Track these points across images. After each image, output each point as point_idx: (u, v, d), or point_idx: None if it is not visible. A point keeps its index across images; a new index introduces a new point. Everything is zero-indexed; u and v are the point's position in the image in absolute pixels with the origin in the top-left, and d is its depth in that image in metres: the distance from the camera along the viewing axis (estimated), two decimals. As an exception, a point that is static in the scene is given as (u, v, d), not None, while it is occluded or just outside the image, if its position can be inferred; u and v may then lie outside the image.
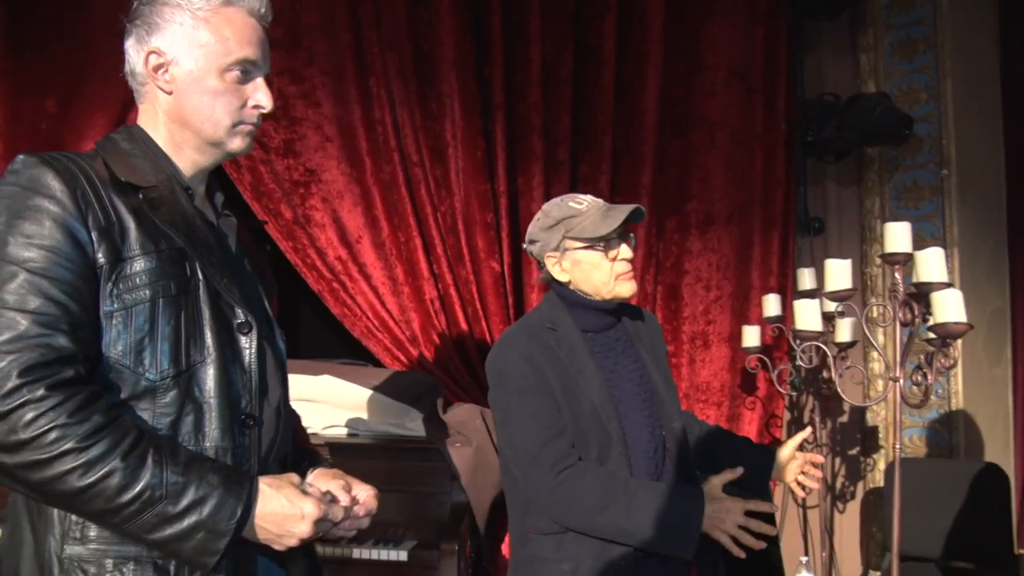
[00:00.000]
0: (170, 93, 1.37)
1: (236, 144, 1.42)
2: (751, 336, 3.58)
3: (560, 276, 1.95)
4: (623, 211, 1.87)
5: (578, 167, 3.63)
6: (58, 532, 1.22)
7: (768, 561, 3.39)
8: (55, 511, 1.23)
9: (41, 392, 1.14)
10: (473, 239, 3.31)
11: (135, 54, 1.38)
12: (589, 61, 3.63)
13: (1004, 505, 3.33)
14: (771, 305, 3.57)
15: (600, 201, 1.95)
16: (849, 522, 3.84)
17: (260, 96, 1.41)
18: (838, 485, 3.85)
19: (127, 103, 3.13)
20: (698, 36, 3.82)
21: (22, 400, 1.13)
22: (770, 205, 3.84)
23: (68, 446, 1.14)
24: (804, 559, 3.12)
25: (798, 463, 2.10)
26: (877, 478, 3.76)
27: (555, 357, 1.87)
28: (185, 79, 1.36)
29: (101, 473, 1.15)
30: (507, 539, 3.06)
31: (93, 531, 1.22)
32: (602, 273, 1.91)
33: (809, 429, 2.20)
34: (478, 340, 3.25)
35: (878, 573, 3.65)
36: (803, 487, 2.11)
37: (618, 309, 1.99)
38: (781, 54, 3.87)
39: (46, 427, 1.13)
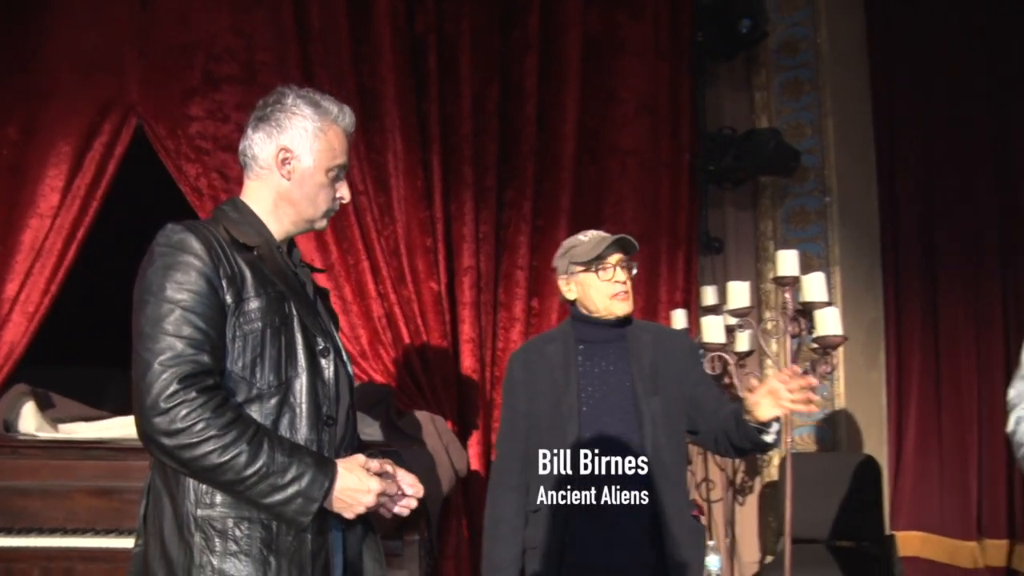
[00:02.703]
0: (288, 180, 1.87)
1: (322, 223, 1.95)
2: (661, 347, 4.16)
3: (569, 295, 2.51)
4: (608, 239, 2.43)
5: (504, 192, 4.15)
6: (193, 498, 1.68)
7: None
8: (191, 483, 1.69)
9: (193, 395, 1.61)
10: (414, 262, 3.78)
11: (263, 144, 1.86)
12: (513, 95, 4.16)
13: (878, 491, 4.04)
14: (678, 319, 4.16)
15: (602, 234, 2.49)
16: (748, 513, 4.50)
17: (344, 191, 1.95)
18: (738, 480, 4.50)
19: (91, 133, 3.47)
20: (611, 73, 4.41)
21: (179, 400, 1.60)
22: (676, 227, 4.47)
23: (211, 433, 1.61)
24: (710, 543, 3.75)
25: (773, 398, 2.11)
26: (772, 473, 4.43)
27: (548, 363, 2.46)
28: (302, 172, 1.86)
29: (233, 453, 1.62)
30: (453, 528, 3.57)
31: (219, 498, 1.69)
32: (597, 292, 2.44)
33: (756, 380, 2.29)
34: (420, 354, 3.71)
35: (772, 557, 4.29)
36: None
37: (624, 326, 2.48)
38: (685, 90, 4.53)
39: (195, 420, 1.61)
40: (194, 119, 3.55)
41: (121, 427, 3.24)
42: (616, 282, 2.43)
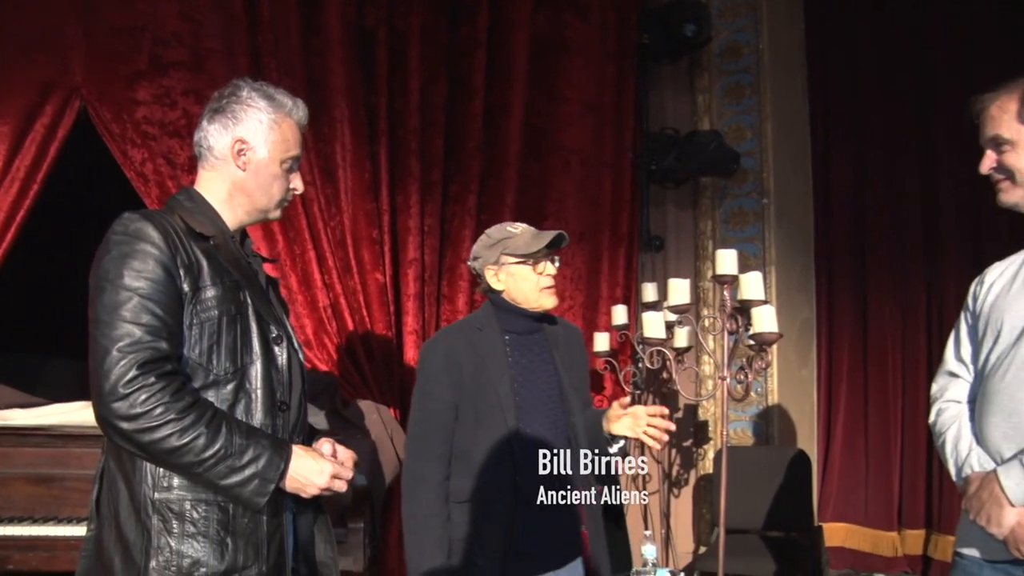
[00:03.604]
0: (243, 171, 1.92)
1: (276, 214, 2.01)
2: (601, 342, 4.26)
3: (496, 286, 2.48)
4: (549, 235, 2.44)
5: (449, 186, 4.19)
6: (150, 482, 1.72)
7: (617, 541, 4.10)
8: (148, 467, 1.72)
9: (152, 380, 1.65)
10: (360, 252, 3.81)
11: (218, 136, 1.91)
12: (461, 92, 4.21)
13: (808, 484, 4.19)
14: (619, 314, 4.26)
15: (531, 228, 2.52)
16: (683, 505, 4.63)
17: (297, 183, 2.02)
18: (674, 473, 4.62)
19: (32, 114, 3.39)
20: (557, 72, 4.50)
21: (139, 386, 1.64)
22: (617, 224, 4.58)
23: (170, 417, 1.66)
24: (647, 532, 3.84)
25: (632, 420, 2.37)
26: (707, 466, 4.56)
27: (475, 353, 2.43)
28: (257, 163, 1.92)
29: (192, 436, 1.67)
30: (396, 516, 3.60)
31: (176, 481, 1.73)
32: (530, 284, 2.45)
33: (628, 399, 2.48)
34: (365, 344, 3.75)
35: (706, 547, 4.42)
36: (655, 440, 2.42)
37: (542, 318, 2.53)
38: (629, 91, 4.64)
39: (154, 404, 1.65)
40: (140, 103, 3.51)
41: (60, 414, 3.19)
42: (548, 275, 2.47)
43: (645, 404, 4.28)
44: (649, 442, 2.35)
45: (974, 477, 1.88)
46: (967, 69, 4.22)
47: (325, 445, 1.94)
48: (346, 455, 1.95)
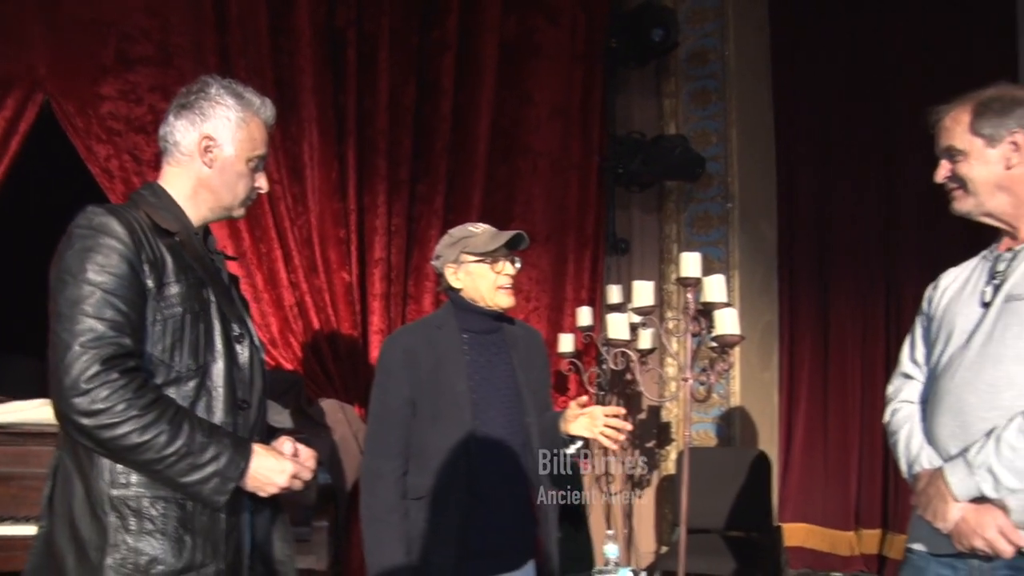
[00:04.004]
0: (209, 168, 1.91)
1: (239, 212, 2.01)
2: (566, 343, 4.30)
3: (455, 284, 2.51)
4: (508, 235, 2.46)
5: (416, 187, 4.21)
6: (107, 478, 1.71)
7: (579, 541, 4.14)
8: (105, 463, 1.71)
9: (114, 376, 1.64)
10: (327, 252, 3.82)
11: (185, 131, 1.90)
12: (430, 92, 4.24)
13: (768, 485, 4.25)
14: (584, 316, 4.30)
15: (493, 228, 2.54)
16: (645, 506, 4.68)
17: (262, 182, 2.02)
18: (636, 474, 4.65)
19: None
20: (526, 75, 4.54)
21: (101, 382, 1.63)
22: (583, 227, 4.63)
23: (132, 413, 1.64)
24: (610, 532, 3.87)
25: (589, 419, 2.41)
26: (670, 467, 4.61)
27: (433, 350, 2.46)
28: (223, 161, 1.92)
29: (154, 433, 1.66)
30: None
31: (134, 478, 1.71)
32: (487, 283, 2.47)
33: (585, 397, 2.53)
34: (330, 343, 3.75)
35: (667, 547, 4.46)
36: (613, 440, 2.46)
37: (502, 319, 2.56)
38: (597, 95, 4.69)
39: (116, 400, 1.63)
40: (106, 99, 3.49)
41: (18, 411, 3.16)
42: (506, 275, 2.49)
43: (609, 405, 4.34)
44: (605, 442, 2.38)
45: (923, 474, 1.95)
46: (929, 77, 4.30)
47: (286, 444, 1.93)
48: (307, 454, 1.95)
